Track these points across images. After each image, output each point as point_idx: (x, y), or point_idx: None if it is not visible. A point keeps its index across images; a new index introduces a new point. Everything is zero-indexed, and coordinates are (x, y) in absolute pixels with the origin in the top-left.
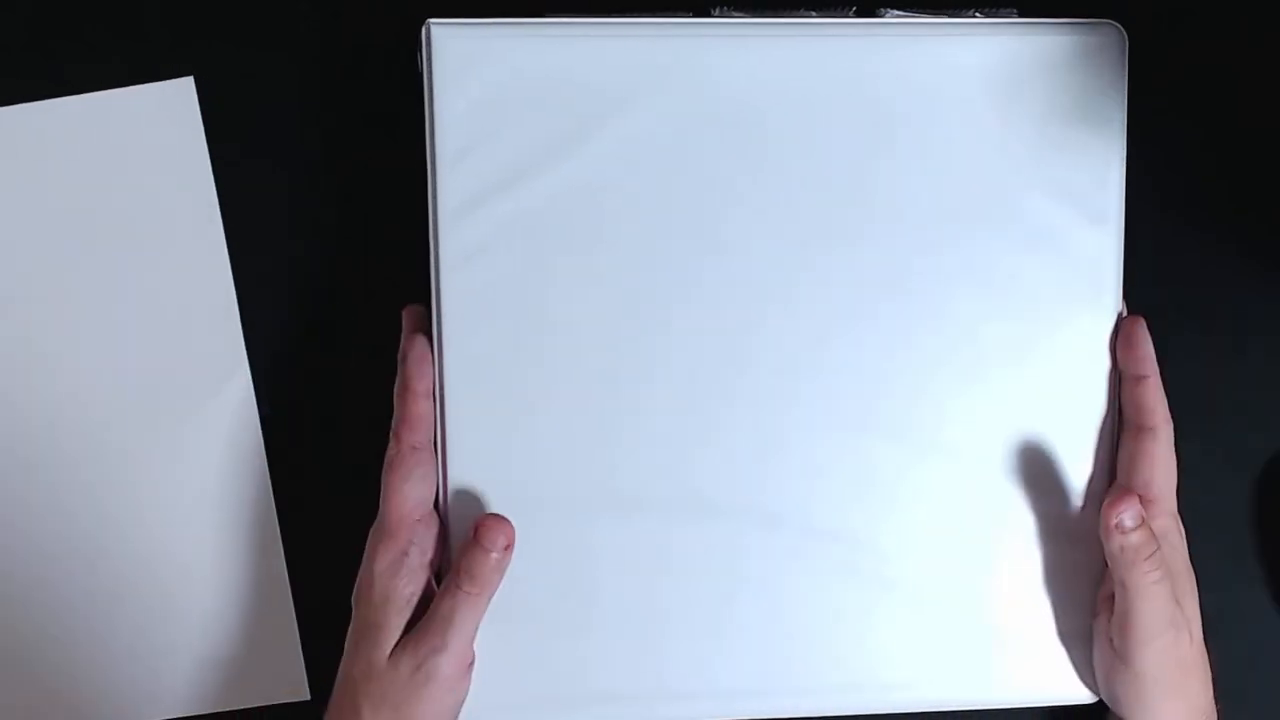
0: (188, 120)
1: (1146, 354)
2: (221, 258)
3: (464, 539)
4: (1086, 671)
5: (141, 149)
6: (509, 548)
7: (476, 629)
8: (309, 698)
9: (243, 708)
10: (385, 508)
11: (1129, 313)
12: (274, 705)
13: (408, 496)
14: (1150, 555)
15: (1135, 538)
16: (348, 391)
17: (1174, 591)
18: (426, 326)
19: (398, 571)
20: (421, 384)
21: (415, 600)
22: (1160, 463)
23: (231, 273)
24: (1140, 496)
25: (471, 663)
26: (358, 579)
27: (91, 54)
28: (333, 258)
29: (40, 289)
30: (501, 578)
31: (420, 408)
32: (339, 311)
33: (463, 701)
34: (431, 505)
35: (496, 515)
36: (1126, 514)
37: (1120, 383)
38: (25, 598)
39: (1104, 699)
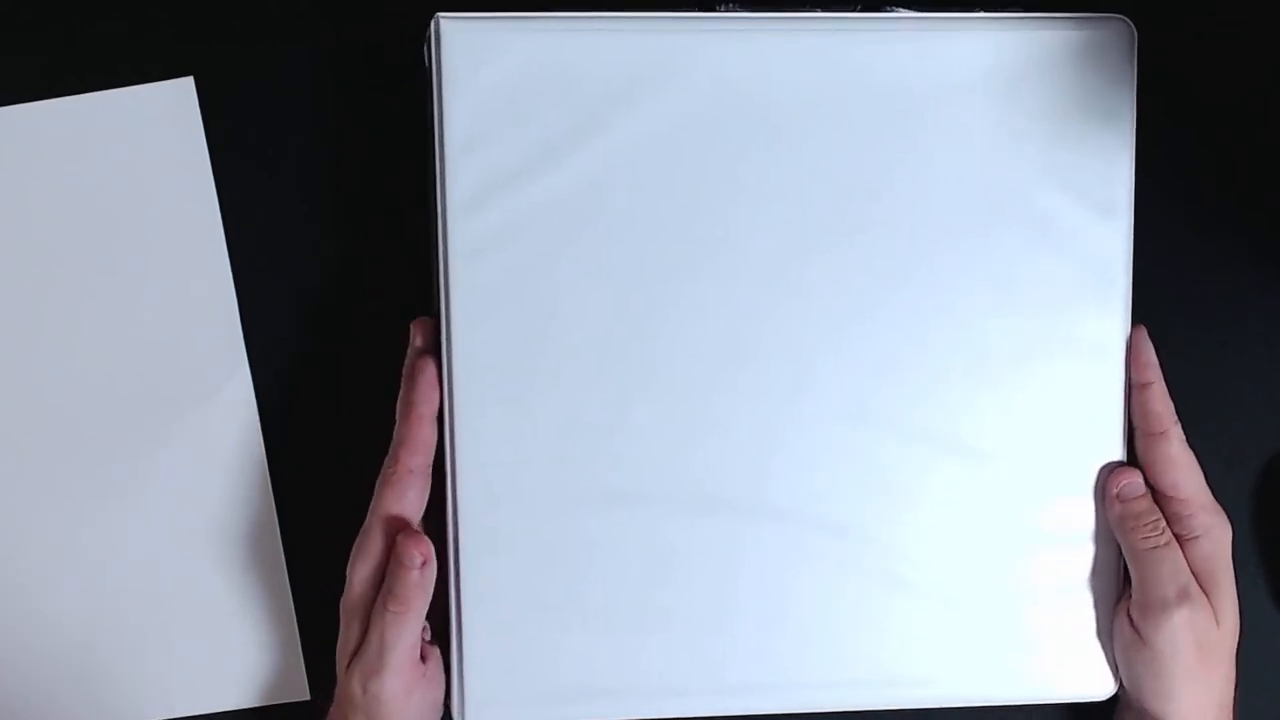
0: (188, 120)
1: (1149, 361)
2: (221, 258)
3: (468, 539)
4: (1102, 668)
5: (141, 149)
6: (427, 564)
7: (414, 646)
8: (309, 697)
9: (243, 708)
10: (372, 521)
11: (1132, 313)
12: (274, 705)
13: (397, 515)
14: (1149, 522)
15: (1135, 505)
16: (348, 391)
17: (1199, 574)
18: (436, 344)
19: (372, 584)
20: (428, 408)
21: None
22: (1179, 463)
23: (231, 273)
24: (1173, 498)
25: (425, 671)
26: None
27: (91, 54)
28: (333, 258)
29: (40, 289)
30: (427, 595)
31: (425, 432)
32: (339, 312)
33: (437, 695)
34: (418, 523)
35: (414, 532)
36: (1126, 484)
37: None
38: (26, 599)
39: (1125, 684)
